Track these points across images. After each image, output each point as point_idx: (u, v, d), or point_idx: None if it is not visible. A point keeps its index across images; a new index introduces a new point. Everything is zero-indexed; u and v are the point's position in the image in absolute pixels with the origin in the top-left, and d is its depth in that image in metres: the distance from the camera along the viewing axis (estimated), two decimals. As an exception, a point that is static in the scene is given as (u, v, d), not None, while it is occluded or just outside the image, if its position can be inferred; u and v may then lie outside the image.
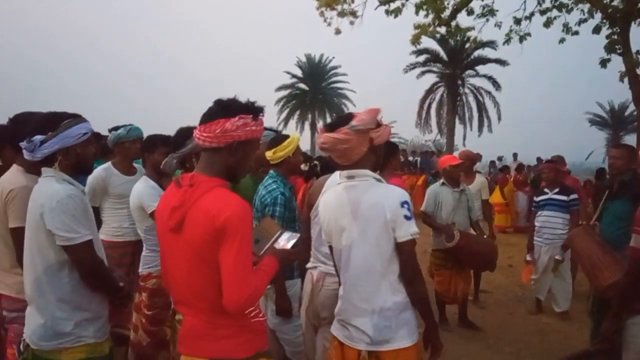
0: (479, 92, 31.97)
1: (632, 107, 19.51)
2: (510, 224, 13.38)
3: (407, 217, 2.26)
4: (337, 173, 2.96)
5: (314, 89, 41.49)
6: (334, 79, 43.80)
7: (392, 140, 5.77)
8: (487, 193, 6.79)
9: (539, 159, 17.20)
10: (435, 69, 31.37)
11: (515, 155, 19.06)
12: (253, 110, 2.02)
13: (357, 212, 2.32)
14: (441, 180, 5.68)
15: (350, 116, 2.33)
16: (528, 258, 6.41)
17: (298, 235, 2.40)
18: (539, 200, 6.33)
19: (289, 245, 2.30)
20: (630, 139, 35.32)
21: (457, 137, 31.51)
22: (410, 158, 19.22)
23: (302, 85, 42.11)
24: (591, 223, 4.56)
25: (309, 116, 41.08)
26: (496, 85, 30.40)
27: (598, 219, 4.51)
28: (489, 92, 31.41)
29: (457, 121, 31.36)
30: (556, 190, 6.20)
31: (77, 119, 2.41)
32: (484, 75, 30.58)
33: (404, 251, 2.30)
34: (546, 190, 6.33)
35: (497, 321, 6.12)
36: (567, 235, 4.48)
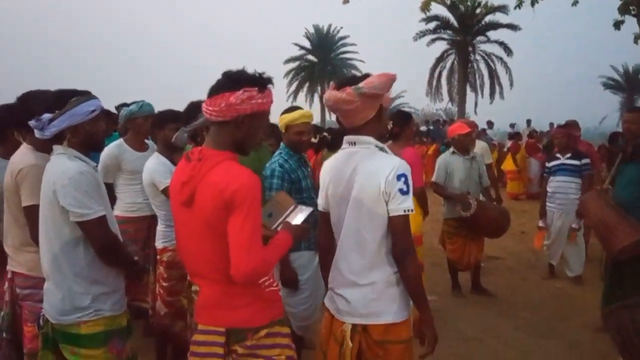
0: (490, 59, 31.46)
1: (647, 69, 19.13)
2: (522, 191, 13.34)
3: (402, 191, 2.15)
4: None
5: (323, 60, 41.14)
6: (343, 49, 43.35)
7: (404, 109, 5.75)
8: (489, 157, 6.75)
9: (551, 125, 17.02)
10: (445, 36, 30.85)
11: (529, 122, 18.87)
12: (259, 82, 1.97)
13: (354, 179, 2.24)
14: (451, 149, 5.65)
15: (365, 76, 2.23)
16: (540, 224, 6.41)
17: (310, 209, 2.35)
18: (551, 166, 6.29)
19: (300, 221, 2.26)
20: (645, 102, 34.75)
21: (469, 104, 31.15)
22: (424, 128, 19.10)
23: (310, 57, 41.77)
24: (604, 187, 4.53)
25: (318, 88, 40.80)
26: (508, 50, 29.87)
27: (611, 182, 4.49)
28: (500, 58, 30.91)
29: (468, 89, 30.96)
30: (568, 155, 6.15)
31: (85, 96, 2.42)
32: (495, 41, 30.04)
33: (395, 226, 2.19)
34: (558, 155, 6.28)
35: (510, 287, 6.16)
36: (580, 199, 4.44)
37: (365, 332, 2.25)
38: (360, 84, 2.16)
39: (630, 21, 10.77)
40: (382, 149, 2.29)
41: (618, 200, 4.16)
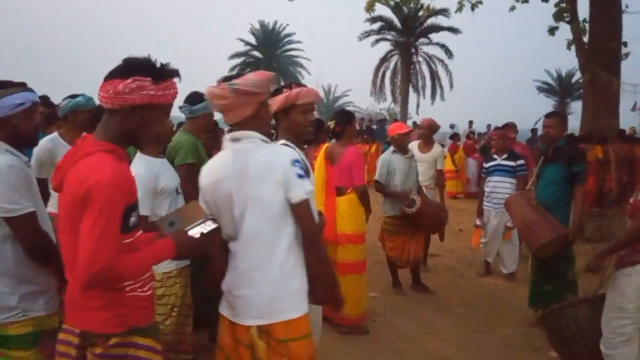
0: (432, 60, 32.31)
1: (578, 75, 20.13)
2: (461, 190, 13.78)
3: (299, 176, 2.14)
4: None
5: (269, 57, 40.91)
6: (289, 46, 43.28)
7: (348, 108, 5.83)
8: (442, 163, 6.92)
9: (488, 126, 17.64)
10: (389, 37, 31.43)
11: (470, 123, 19.46)
12: (155, 72, 1.83)
13: (246, 174, 2.16)
14: (392, 148, 5.76)
15: (239, 75, 2.22)
16: (477, 222, 6.64)
17: (215, 225, 2.11)
18: (488, 167, 6.53)
19: (198, 233, 2.02)
20: (576, 106, 36.61)
21: (411, 105, 31.83)
22: (371, 126, 19.34)
23: (256, 53, 41.43)
24: (527, 187, 4.78)
25: (263, 85, 40.44)
26: (449, 53, 30.78)
27: (534, 183, 4.74)
28: (441, 60, 31.81)
29: (410, 89, 31.64)
30: (504, 156, 6.40)
31: (14, 88, 2.30)
32: (437, 44, 30.89)
33: (300, 212, 2.15)
34: (495, 156, 6.52)
35: (448, 283, 6.35)
36: (505, 200, 4.69)
37: (267, 333, 2.19)
38: (235, 80, 2.16)
39: (564, 28, 11.34)
40: (267, 143, 2.25)
41: (541, 200, 4.41)
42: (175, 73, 1.91)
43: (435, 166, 6.69)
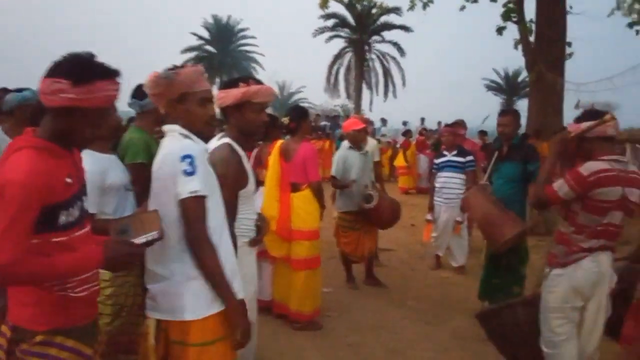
0: (384, 58, 32.73)
1: (525, 74, 20.80)
2: (413, 186, 14.03)
3: (186, 172, 2.04)
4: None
5: (222, 51, 40.44)
6: (243, 41, 42.88)
7: (302, 104, 5.82)
8: (377, 155, 7.02)
9: (439, 123, 18.00)
10: (343, 34, 31.62)
11: (422, 120, 19.81)
12: (76, 74, 1.71)
13: (156, 169, 2.19)
14: (347, 144, 5.80)
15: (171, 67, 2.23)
16: (428, 217, 6.78)
17: (156, 237, 1.98)
18: (438, 163, 6.67)
19: (140, 242, 1.93)
20: (522, 104, 37.81)
21: (365, 102, 32.17)
22: (323, 123, 19.41)
23: (209, 48, 40.85)
24: (483, 182, 4.86)
25: (217, 80, 40.04)
26: (401, 51, 31.25)
27: (489, 179, 4.84)
28: (394, 58, 32.27)
29: (364, 86, 31.95)
30: (454, 152, 6.56)
31: None
32: (390, 41, 31.29)
33: (184, 210, 2.07)
34: (445, 152, 6.67)
35: (400, 277, 6.46)
36: (464, 194, 4.75)
37: (165, 331, 2.12)
38: (170, 71, 2.16)
39: (511, 27, 11.68)
40: (186, 137, 2.19)
41: (498, 196, 4.51)
42: (107, 74, 1.79)
43: (372, 159, 6.78)
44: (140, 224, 2.00)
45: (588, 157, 2.94)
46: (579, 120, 3.05)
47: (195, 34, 40.20)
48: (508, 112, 5.00)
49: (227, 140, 2.68)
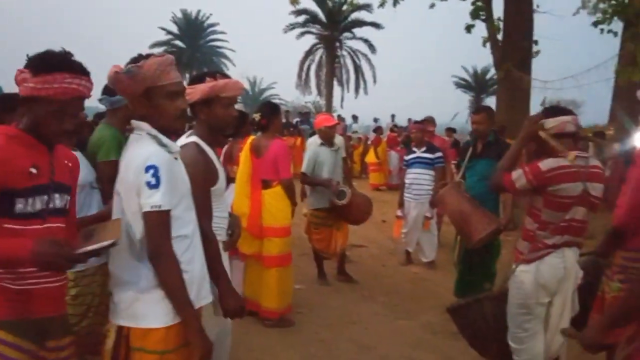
0: (355, 55, 32.89)
1: (493, 71, 21.14)
2: (384, 182, 14.13)
3: (149, 185, 1.95)
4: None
5: (192, 47, 40.04)
6: (213, 37, 42.49)
7: (274, 101, 5.79)
8: (344, 152, 7.04)
9: (409, 120, 18.17)
10: (314, 30, 31.68)
11: (392, 117, 19.95)
12: (34, 64, 1.77)
13: (121, 170, 2.09)
14: (319, 141, 5.79)
15: (139, 58, 2.08)
16: (399, 213, 6.84)
17: (104, 245, 1.87)
18: (408, 159, 6.73)
19: (89, 247, 1.85)
20: (490, 101, 38.46)
21: (336, 98, 32.25)
22: (295, 120, 19.40)
23: (178, 43, 40.38)
24: (456, 180, 4.87)
25: (187, 76, 39.58)
26: (372, 48, 31.44)
27: (463, 176, 4.87)
28: (365, 55, 32.44)
29: (335, 83, 32.03)
30: (423, 149, 6.62)
31: None
32: (361, 38, 31.45)
33: (145, 223, 1.98)
34: (414, 149, 6.73)
35: (371, 273, 6.50)
36: (438, 192, 4.75)
37: (126, 337, 2.04)
38: (134, 64, 2.03)
39: (480, 25, 11.86)
40: (154, 137, 2.07)
41: (472, 193, 4.53)
42: (68, 68, 1.78)
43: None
44: (103, 231, 1.95)
45: (549, 153, 2.98)
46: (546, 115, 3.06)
47: (163, 29, 39.78)
48: (482, 110, 5.03)
49: (193, 138, 2.60)
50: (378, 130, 15.63)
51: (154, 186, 1.95)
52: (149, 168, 1.95)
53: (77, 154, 2.87)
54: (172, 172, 2.04)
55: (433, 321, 4.91)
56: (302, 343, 4.37)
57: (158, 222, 1.98)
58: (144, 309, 2.02)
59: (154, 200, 1.95)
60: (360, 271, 6.45)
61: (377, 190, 13.45)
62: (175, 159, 2.14)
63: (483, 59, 43.82)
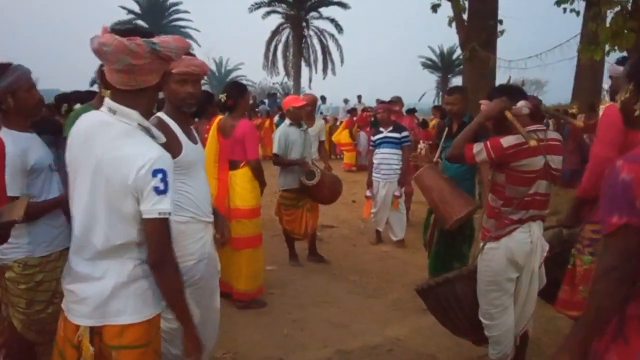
0: (322, 35, 32.68)
1: (459, 51, 21.30)
2: (354, 162, 14.19)
3: (158, 190, 1.82)
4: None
5: (154, 26, 39.00)
6: (176, 16, 41.60)
7: (241, 81, 5.70)
8: (324, 135, 7.05)
9: (377, 101, 18.22)
10: (280, 9, 31.27)
11: (359, 97, 19.98)
12: None
13: (100, 160, 1.86)
14: (288, 122, 5.75)
15: (151, 34, 1.90)
16: (368, 194, 6.87)
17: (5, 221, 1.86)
18: (375, 139, 6.74)
19: None
20: (456, 81, 38.87)
21: (304, 79, 32.07)
22: (265, 101, 19.26)
23: (140, 22, 39.31)
24: (434, 160, 4.86)
25: (150, 57, 38.72)
26: (339, 28, 31.29)
27: (439, 157, 4.88)
28: (332, 35, 32.27)
29: (303, 63, 31.81)
30: (390, 128, 6.64)
31: None
32: (327, 18, 31.22)
33: (148, 231, 1.88)
34: (381, 129, 6.74)
35: (342, 253, 6.53)
36: (417, 172, 4.70)
37: (99, 335, 1.95)
38: (156, 39, 1.86)
39: (445, 5, 11.87)
40: (146, 129, 1.93)
41: (449, 174, 4.54)
42: None
43: (318, 139, 6.81)
44: (11, 209, 1.90)
45: (508, 131, 3.00)
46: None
47: (124, 8, 38.66)
48: (456, 90, 5.00)
49: (159, 113, 2.65)
50: (352, 111, 15.61)
51: (163, 192, 1.84)
52: (157, 172, 1.82)
53: (33, 135, 2.77)
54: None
55: (403, 298, 4.98)
56: (275, 324, 4.38)
57: (164, 229, 1.89)
58: (120, 305, 1.93)
59: (163, 207, 1.85)
60: (331, 251, 6.48)
61: (350, 171, 13.50)
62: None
63: (449, 39, 44.21)
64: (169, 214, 1.87)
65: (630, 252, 1.57)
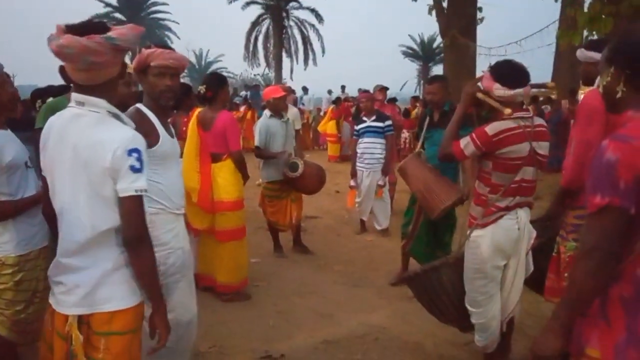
0: (303, 25, 32.49)
1: (439, 40, 21.38)
2: (339, 154, 14.16)
3: (134, 169, 1.90)
4: None
5: (132, 19, 38.43)
6: (154, 8, 41.05)
7: (222, 74, 5.64)
8: (299, 123, 7.01)
9: (359, 91, 18.20)
10: (260, 0, 30.97)
11: (343, 88, 19.91)
12: None
13: (78, 150, 1.92)
14: (268, 113, 5.70)
15: (105, 26, 1.94)
16: (352, 184, 6.87)
17: None
18: (358, 129, 6.73)
19: None
20: (437, 69, 39.01)
21: (285, 70, 31.90)
22: (244, 93, 19.11)
23: (118, 15, 38.78)
24: (417, 150, 4.85)
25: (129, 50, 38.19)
26: (319, 17, 31.13)
27: (422, 147, 4.87)
28: (312, 25, 32.10)
29: (284, 54, 31.64)
30: (373, 118, 6.63)
31: None
32: (307, 8, 31.04)
33: (125, 209, 1.93)
34: (365, 118, 6.74)
35: (326, 243, 6.54)
36: (401, 163, 4.67)
37: (87, 324, 1.98)
38: (112, 33, 1.89)
39: (425, -7, 11.88)
40: (115, 116, 2.00)
41: (432, 163, 4.52)
42: None
43: (293, 128, 6.78)
44: None
45: (495, 117, 2.99)
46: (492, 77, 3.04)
47: (101, 0, 37.99)
48: (436, 80, 4.98)
49: (137, 105, 2.67)
50: (338, 102, 15.53)
51: (139, 170, 1.91)
52: (133, 151, 1.90)
53: (7, 132, 2.70)
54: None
55: (388, 287, 4.99)
56: (261, 316, 4.36)
57: (140, 207, 1.96)
58: (108, 292, 1.97)
59: (140, 184, 1.92)
60: (315, 242, 6.48)
61: (335, 162, 13.47)
62: None
63: (430, 27, 44.19)
64: (145, 191, 1.94)
65: (613, 232, 1.57)
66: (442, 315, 3.51)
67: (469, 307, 3.21)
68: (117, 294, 1.99)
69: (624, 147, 1.55)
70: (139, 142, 1.95)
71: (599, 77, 1.84)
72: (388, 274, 5.27)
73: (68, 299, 1.99)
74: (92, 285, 1.96)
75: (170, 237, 2.69)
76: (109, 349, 1.97)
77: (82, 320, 1.97)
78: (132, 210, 1.94)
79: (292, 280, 5.21)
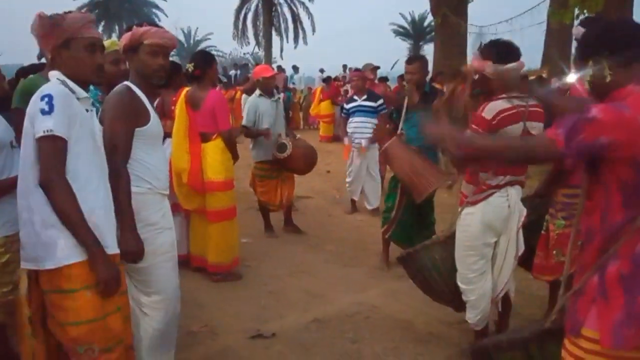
0: (293, 3, 32.09)
1: (430, 18, 21.23)
2: (332, 134, 14.06)
3: (43, 112, 2.01)
4: None
5: (120, -2, 37.89)
6: (141, -15, 40.30)
7: (211, 52, 5.54)
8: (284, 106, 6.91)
9: (350, 69, 18.02)
10: (248, -24, 30.54)
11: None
12: None
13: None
14: (258, 92, 5.64)
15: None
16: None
17: None
18: (349, 108, 6.69)
19: None
20: (428, 48, 38.77)
21: (275, 49, 31.59)
22: (232, 72, 18.90)
23: (105, -5, 38.05)
24: (399, 132, 4.80)
25: (116, 28, 37.63)
26: (309, -5, 30.70)
27: (402, 128, 4.81)
28: (302, 3, 31.70)
29: (273, 33, 31.30)
30: (364, 97, 6.58)
31: None
32: (297, -15, 30.63)
33: (38, 150, 2.04)
34: (355, 97, 6.69)
35: (318, 223, 6.54)
36: (384, 147, 4.62)
37: (36, 280, 2.11)
38: (55, 14, 2.12)
39: (416, -29, 11.72)
40: (63, 82, 2.14)
41: (413, 145, 4.49)
42: None
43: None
44: None
45: (490, 95, 2.97)
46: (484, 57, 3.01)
47: (88, -22, 37.20)
48: (416, 59, 4.91)
49: (127, 82, 2.63)
50: (328, 80, 15.30)
51: (47, 112, 2.00)
52: (44, 97, 2.02)
53: None
54: (71, 108, 2.07)
55: (379, 266, 5.01)
56: (252, 296, 4.37)
57: (51, 148, 2.02)
58: (44, 250, 2.05)
59: (47, 125, 2.00)
60: (306, 222, 6.47)
61: (328, 142, 13.35)
62: (87, 110, 2.19)
63: (420, 5, 43.84)
64: (52, 131, 2.00)
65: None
66: (437, 295, 3.54)
67: (460, 285, 3.23)
68: (52, 253, 2.04)
69: (613, 112, 1.58)
70: (55, 89, 2.06)
71: (577, 76, 1.86)
72: (378, 254, 5.28)
73: (22, 253, 2.13)
74: (34, 242, 2.06)
75: (159, 217, 2.68)
76: (54, 306, 2.07)
77: (32, 277, 2.10)
78: (42, 152, 2.02)
79: (284, 260, 5.21)
